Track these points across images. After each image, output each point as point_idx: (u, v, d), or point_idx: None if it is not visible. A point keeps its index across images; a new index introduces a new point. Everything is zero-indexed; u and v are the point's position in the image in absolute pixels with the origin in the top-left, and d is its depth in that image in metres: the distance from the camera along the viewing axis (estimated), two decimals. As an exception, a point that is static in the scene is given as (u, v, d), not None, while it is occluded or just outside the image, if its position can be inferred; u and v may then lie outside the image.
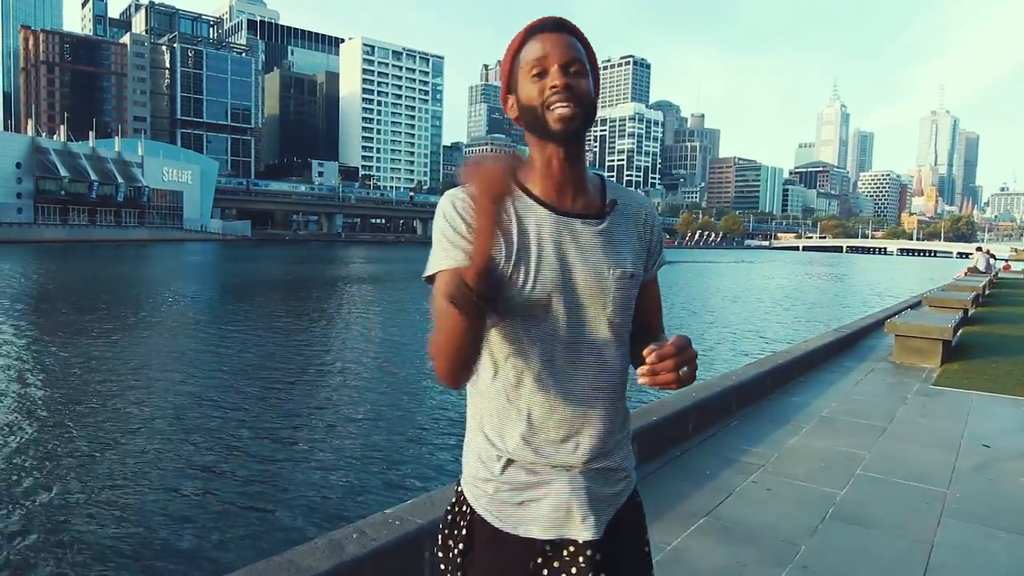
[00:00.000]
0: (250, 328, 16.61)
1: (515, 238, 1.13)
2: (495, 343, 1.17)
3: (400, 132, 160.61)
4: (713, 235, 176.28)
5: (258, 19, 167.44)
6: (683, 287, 35.65)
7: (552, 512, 1.16)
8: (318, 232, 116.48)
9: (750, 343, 16.69)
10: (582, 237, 1.16)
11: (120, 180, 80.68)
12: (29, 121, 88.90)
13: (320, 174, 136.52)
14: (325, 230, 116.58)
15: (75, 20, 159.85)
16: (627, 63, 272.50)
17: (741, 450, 4.41)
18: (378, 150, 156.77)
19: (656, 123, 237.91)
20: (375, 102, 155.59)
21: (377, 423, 8.87)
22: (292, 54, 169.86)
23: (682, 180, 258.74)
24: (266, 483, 6.71)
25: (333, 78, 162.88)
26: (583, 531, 1.16)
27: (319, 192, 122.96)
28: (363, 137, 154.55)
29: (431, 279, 1.11)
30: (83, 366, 11.66)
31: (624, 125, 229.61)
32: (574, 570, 1.17)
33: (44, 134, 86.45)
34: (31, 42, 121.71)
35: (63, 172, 74.62)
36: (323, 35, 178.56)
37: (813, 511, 3.45)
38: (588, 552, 1.17)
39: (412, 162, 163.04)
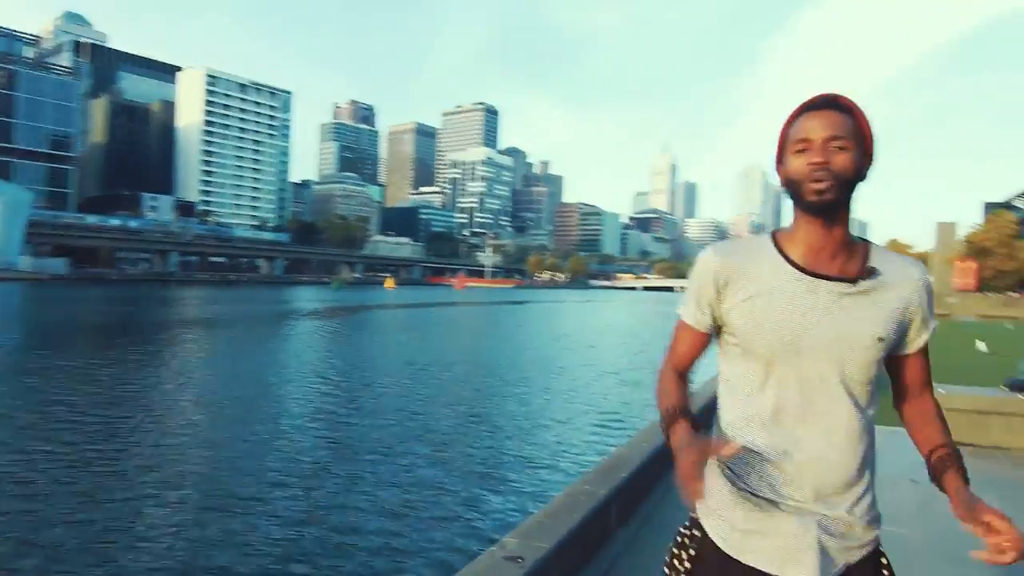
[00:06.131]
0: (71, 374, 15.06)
1: (753, 289, 1.25)
2: (738, 382, 1.31)
3: (244, 167, 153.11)
4: (564, 276, 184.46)
5: (84, 40, 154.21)
6: (557, 323, 36.71)
7: (777, 549, 1.22)
8: (150, 271, 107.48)
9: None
10: (826, 297, 1.22)
11: (-95, 210, 69.99)
12: None
13: (153, 208, 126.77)
14: (158, 268, 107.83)
15: None
16: (479, 109, 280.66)
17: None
18: (220, 184, 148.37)
19: (506, 168, 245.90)
20: (217, 135, 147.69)
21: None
22: (122, 79, 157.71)
23: (531, 223, 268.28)
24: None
25: (169, 107, 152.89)
26: (802, 574, 1.20)
27: (151, 227, 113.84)
28: (203, 171, 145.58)
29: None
30: None
31: (475, 169, 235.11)
32: None
33: None
34: None
35: None
36: (157, 61, 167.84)
37: None
38: None
39: (257, 198, 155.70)
